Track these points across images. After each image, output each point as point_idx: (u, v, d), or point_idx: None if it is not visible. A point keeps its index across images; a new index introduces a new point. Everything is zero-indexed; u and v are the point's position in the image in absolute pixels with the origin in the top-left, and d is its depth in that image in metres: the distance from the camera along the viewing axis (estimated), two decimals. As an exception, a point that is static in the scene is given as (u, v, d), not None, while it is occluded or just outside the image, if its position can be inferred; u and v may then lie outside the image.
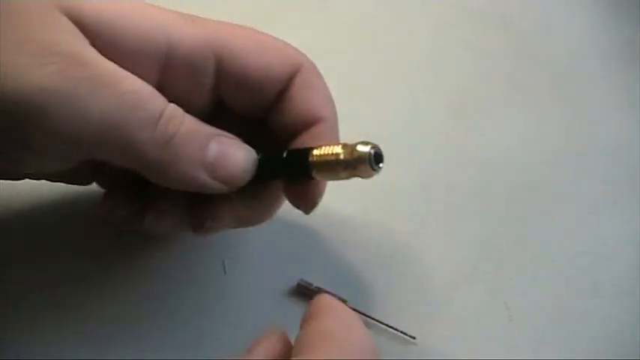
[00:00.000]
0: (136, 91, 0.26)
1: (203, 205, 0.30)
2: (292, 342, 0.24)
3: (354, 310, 0.30)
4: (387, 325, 0.32)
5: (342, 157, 0.27)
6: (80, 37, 0.26)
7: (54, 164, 0.28)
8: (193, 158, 0.27)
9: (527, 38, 0.44)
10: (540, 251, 0.36)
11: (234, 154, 0.28)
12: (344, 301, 0.30)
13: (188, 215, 0.30)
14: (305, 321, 0.24)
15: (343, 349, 0.23)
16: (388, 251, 0.35)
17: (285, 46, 0.30)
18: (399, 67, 0.42)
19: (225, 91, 0.30)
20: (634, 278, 0.35)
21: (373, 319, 0.32)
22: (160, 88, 0.27)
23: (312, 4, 0.44)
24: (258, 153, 0.29)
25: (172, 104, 0.27)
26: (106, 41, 0.26)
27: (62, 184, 0.32)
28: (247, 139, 0.29)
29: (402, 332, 0.32)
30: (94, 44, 0.26)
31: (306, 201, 0.30)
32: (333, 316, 0.24)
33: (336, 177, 0.27)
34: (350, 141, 0.27)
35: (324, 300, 0.25)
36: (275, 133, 0.30)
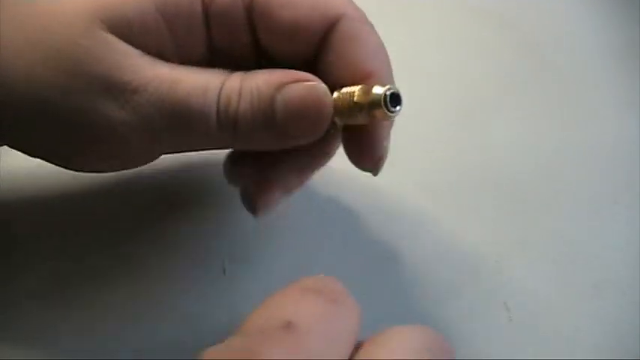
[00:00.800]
0: (192, 84, 0.27)
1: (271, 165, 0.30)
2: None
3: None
4: None
5: (356, 98, 0.27)
6: (126, 49, 0.27)
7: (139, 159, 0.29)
8: (264, 128, 0.27)
9: (528, 38, 0.44)
10: (540, 251, 0.36)
11: (299, 103, 0.27)
12: None
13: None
14: None
15: None
16: (388, 252, 0.35)
17: None
18: (400, 67, 0.42)
19: (265, 44, 0.29)
20: (634, 278, 0.35)
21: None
22: (210, 47, 0.29)
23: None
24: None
25: (225, 81, 0.27)
26: (149, 23, 0.27)
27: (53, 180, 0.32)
28: None
29: None
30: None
31: (367, 156, 0.29)
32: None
33: (354, 120, 0.27)
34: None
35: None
36: (328, 85, 0.29)
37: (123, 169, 0.30)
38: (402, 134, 0.39)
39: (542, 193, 0.38)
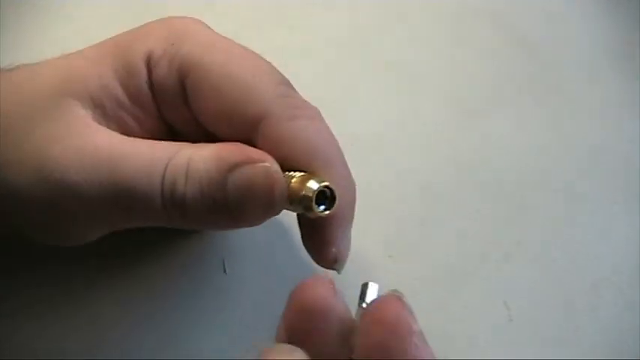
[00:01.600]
0: (137, 162, 0.26)
1: None
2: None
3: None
4: None
5: (292, 184, 0.26)
6: (85, 119, 0.27)
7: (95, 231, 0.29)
8: (214, 210, 0.26)
9: (527, 38, 0.44)
10: (540, 251, 0.36)
11: (250, 185, 0.26)
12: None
13: None
14: None
15: None
16: (388, 251, 0.35)
17: (251, 94, 0.27)
18: (398, 66, 0.42)
19: (203, 122, 0.29)
20: (633, 278, 0.35)
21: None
22: (161, 117, 0.29)
23: (312, 4, 0.44)
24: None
25: (171, 160, 0.26)
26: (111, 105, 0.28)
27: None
28: None
29: None
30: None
31: (320, 255, 0.28)
32: None
33: (289, 207, 0.26)
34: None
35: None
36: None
37: (70, 245, 0.29)
38: (401, 134, 0.39)
39: (542, 193, 0.38)
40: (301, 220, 0.29)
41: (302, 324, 0.23)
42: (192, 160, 0.26)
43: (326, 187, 0.25)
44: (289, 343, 0.22)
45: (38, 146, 0.26)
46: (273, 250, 0.34)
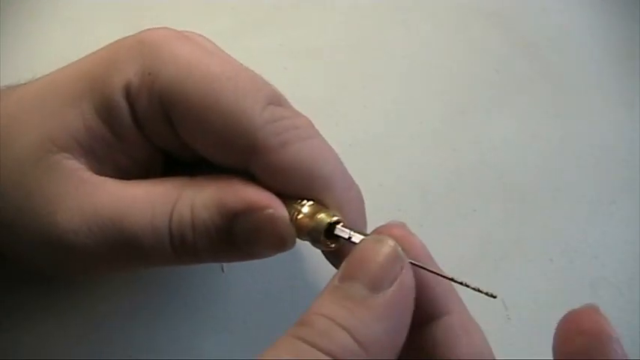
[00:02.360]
0: (138, 219, 0.26)
1: None
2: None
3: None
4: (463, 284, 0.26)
5: (299, 216, 0.26)
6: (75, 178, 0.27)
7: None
8: (228, 252, 0.27)
9: (526, 38, 0.44)
10: (538, 251, 0.36)
11: (258, 228, 0.26)
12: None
13: None
14: None
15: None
16: (387, 250, 0.35)
17: (238, 126, 0.26)
18: (398, 67, 0.42)
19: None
20: (631, 278, 0.35)
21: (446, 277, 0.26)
22: (152, 147, 0.28)
23: (312, 4, 0.44)
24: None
25: (174, 211, 0.26)
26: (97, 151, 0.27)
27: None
28: None
29: (481, 291, 0.25)
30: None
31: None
32: None
33: (302, 239, 0.26)
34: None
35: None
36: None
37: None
38: (400, 132, 0.39)
39: (540, 193, 0.38)
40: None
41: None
42: (195, 207, 0.26)
43: (335, 221, 0.25)
44: None
45: (39, 211, 0.26)
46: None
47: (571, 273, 0.35)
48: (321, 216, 0.25)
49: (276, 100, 0.27)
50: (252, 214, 0.26)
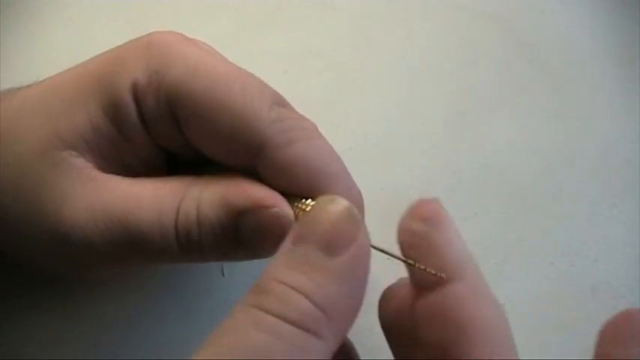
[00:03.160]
0: (144, 216, 0.26)
1: None
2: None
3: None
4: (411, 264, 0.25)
5: (299, 214, 0.26)
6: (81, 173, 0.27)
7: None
8: (233, 249, 0.27)
9: (526, 39, 0.44)
10: (539, 254, 0.36)
11: (263, 227, 0.26)
12: None
13: None
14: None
15: None
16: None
17: (245, 122, 0.27)
18: (398, 69, 0.42)
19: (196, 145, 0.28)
20: (633, 280, 0.35)
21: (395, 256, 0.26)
22: (158, 147, 0.28)
23: (311, 4, 0.44)
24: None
25: (180, 208, 0.26)
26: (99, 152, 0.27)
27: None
28: None
29: (430, 272, 0.25)
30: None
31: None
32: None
33: None
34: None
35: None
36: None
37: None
38: (401, 134, 0.39)
39: (541, 195, 0.38)
40: None
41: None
42: (201, 205, 0.26)
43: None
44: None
45: (46, 207, 0.26)
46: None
47: (572, 276, 0.35)
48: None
49: (281, 102, 0.28)
50: (258, 212, 0.26)
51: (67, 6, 0.40)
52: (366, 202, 0.36)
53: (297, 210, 0.26)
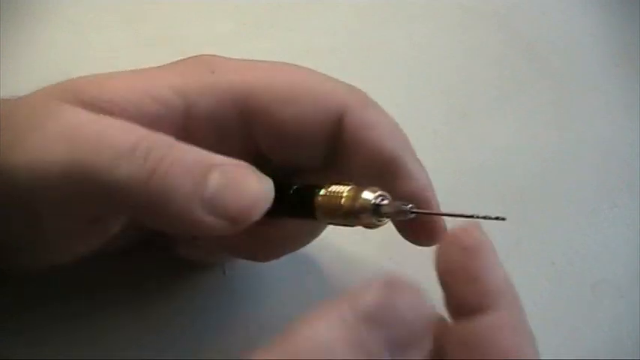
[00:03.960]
0: (100, 130, 0.23)
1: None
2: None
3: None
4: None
5: (343, 201, 0.24)
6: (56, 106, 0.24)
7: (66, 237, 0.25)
8: (186, 193, 0.23)
9: (526, 39, 0.44)
10: (540, 253, 0.36)
11: (240, 186, 0.23)
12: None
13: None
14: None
15: None
16: (388, 253, 0.35)
17: (323, 88, 0.27)
18: (398, 69, 0.42)
19: (265, 147, 0.27)
20: (632, 280, 0.35)
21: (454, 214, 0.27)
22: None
23: (311, 4, 0.44)
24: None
25: (157, 135, 0.23)
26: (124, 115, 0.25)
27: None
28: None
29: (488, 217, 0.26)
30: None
31: (426, 236, 0.27)
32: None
33: (340, 222, 0.25)
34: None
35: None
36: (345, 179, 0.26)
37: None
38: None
39: (541, 195, 0.38)
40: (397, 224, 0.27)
41: None
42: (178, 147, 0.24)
43: (382, 195, 0.25)
44: None
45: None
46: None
47: (572, 275, 0.35)
48: (366, 193, 0.24)
49: None
50: (233, 166, 0.24)
51: (66, 8, 0.40)
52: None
53: (332, 196, 0.25)
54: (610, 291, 0.35)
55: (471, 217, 0.24)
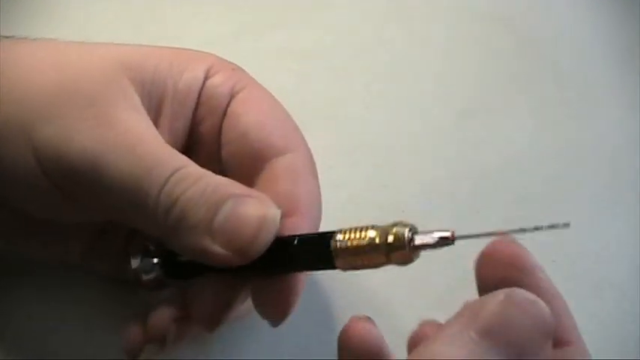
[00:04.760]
0: (153, 152, 0.25)
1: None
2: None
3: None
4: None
5: (377, 240, 0.23)
6: (123, 99, 0.26)
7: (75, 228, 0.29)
8: (198, 223, 0.24)
9: (528, 38, 0.44)
10: (541, 252, 0.36)
11: (242, 217, 0.24)
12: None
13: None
14: None
15: None
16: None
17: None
18: (401, 68, 0.42)
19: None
20: (634, 279, 0.35)
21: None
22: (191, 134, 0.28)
23: (313, 5, 0.44)
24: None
25: (193, 165, 0.25)
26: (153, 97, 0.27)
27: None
28: None
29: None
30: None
31: (278, 307, 0.25)
32: None
33: (368, 265, 0.24)
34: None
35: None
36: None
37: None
38: (401, 135, 0.39)
39: (543, 194, 0.38)
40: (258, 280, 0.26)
41: None
42: (202, 176, 0.25)
43: (412, 228, 0.24)
44: None
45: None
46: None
47: (574, 274, 0.35)
48: (398, 228, 0.24)
49: None
50: (250, 199, 0.25)
51: (67, 8, 0.40)
52: (367, 200, 0.36)
53: (355, 237, 0.24)
54: (612, 290, 0.35)
55: (540, 228, 0.24)
